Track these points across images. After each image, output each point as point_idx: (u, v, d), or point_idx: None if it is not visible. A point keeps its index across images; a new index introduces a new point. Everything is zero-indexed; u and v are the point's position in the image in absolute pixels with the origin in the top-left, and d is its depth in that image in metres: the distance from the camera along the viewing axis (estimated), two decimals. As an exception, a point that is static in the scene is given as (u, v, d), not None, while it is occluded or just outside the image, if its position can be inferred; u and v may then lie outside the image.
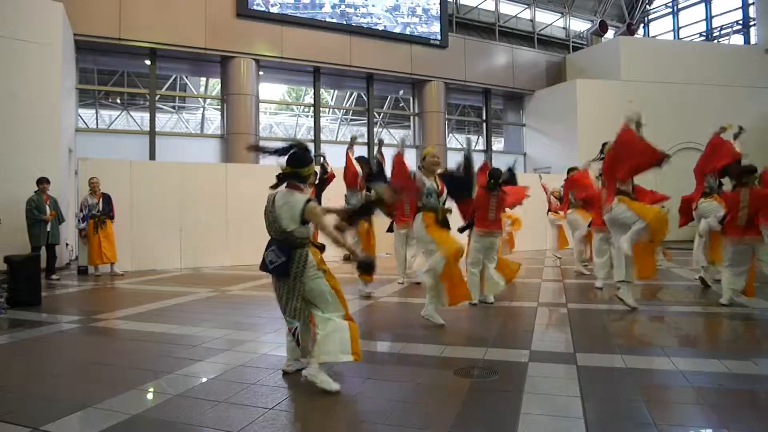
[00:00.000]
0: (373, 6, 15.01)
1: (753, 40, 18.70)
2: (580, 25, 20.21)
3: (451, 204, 5.09)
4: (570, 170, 8.49)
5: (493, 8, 18.12)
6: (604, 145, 6.07)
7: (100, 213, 8.71)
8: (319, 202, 5.83)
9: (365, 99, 16.07)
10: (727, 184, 6.51)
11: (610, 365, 3.54)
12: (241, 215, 9.86)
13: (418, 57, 15.58)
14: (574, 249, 8.86)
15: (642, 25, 21.78)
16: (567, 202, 8.43)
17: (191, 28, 12.74)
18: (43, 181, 8.05)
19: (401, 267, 7.68)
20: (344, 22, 14.53)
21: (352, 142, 6.93)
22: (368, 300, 6.16)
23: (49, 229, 8.06)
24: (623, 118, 5.54)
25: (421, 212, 4.80)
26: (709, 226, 6.34)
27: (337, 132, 18.76)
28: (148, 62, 13.13)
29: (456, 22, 17.14)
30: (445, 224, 4.85)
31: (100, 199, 8.77)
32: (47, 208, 8.08)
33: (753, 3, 18.75)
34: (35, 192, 8.03)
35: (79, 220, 8.82)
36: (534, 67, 17.84)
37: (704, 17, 20.27)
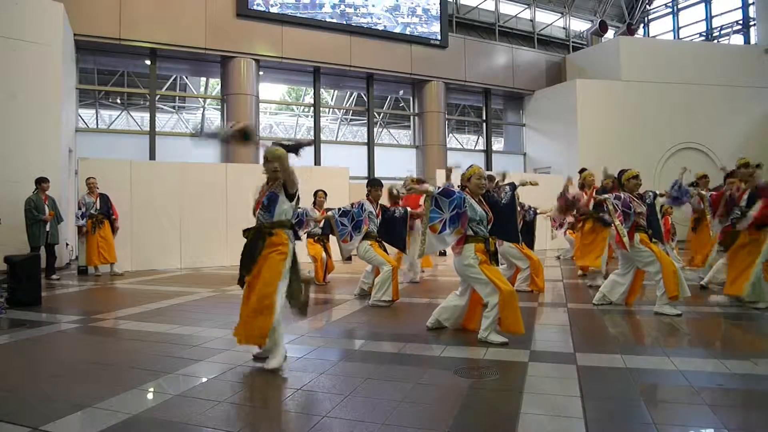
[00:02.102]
0: (373, 6, 15.01)
1: (753, 40, 18.71)
2: (580, 25, 20.22)
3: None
4: (582, 171, 7.91)
5: (493, 8, 18.12)
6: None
7: (97, 213, 8.73)
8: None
9: (365, 99, 16.07)
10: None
11: (610, 365, 3.54)
12: (241, 215, 9.82)
13: (418, 57, 15.58)
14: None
15: (642, 25, 21.78)
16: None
17: (191, 28, 12.74)
18: (43, 181, 8.05)
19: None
20: (344, 22, 14.53)
21: None
22: (368, 299, 6.15)
23: (48, 228, 8.06)
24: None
25: (472, 243, 4.19)
26: None
27: (337, 132, 18.76)
28: (148, 62, 13.14)
29: (456, 22, 17.14)
30: (495, 256, 4.34)
31: (98, 199, 8.78)
32: (46, 208, 8.08)
33: (753, 3, 18.76)
34: (34, 192, 8.03)
35: (78, 218, 8.82)
36: (534, 67, 17.85)
37: (704, 17, 20.28)
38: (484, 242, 4.22)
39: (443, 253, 12.36)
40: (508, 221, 4.63)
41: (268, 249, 3.53)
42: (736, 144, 15.66)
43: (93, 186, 8.78)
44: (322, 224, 7.29)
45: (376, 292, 5.92)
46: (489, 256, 4.23)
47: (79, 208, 8.79)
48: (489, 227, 4.34)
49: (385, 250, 6.37)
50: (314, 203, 7.60)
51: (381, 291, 5.88)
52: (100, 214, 8.75)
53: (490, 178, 5.58)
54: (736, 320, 5.07)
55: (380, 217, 6.26)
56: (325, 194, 7.75)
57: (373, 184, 6.36)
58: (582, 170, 7.86)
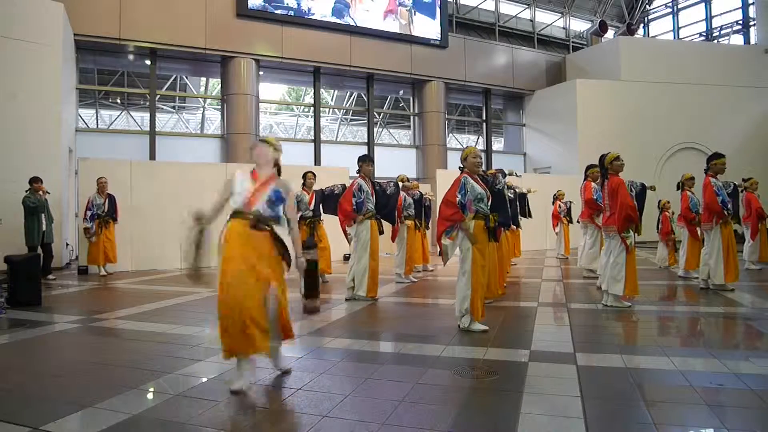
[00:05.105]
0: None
1: (753, 40, 18.71)
2: (580, 25, 20.22)
3: None
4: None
5: (493, 8, 18.12)
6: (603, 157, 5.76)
7: (104, 213, 8.76)
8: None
9: (365, 99, 16.07)
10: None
11: (610, 365, 3.54)
12: (241, 215, 9.83)
13: (418, 57, 15.58)
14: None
15: (642, 25, 21.78)
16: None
17: (191, 28, 12.74)
18: (34, 181, 8.03)
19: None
20: (344, 22, 14.52)
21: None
22: (367, 301, 6.15)
23: (44, 228, 8.07)
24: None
25: (473, 221, 4.45)
26: None
27: (337, 132, 18.76)
28: (148, 62, 13.14)
29: (456, 22, 17.14)
30: (493, 233, 4.56)
31: (106, 200, 8.82)
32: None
33: (753, 3, 18.76)
34: (29, 191, 7.99)
35: (86, 219, 8.79)
36: (534, 67, 17.84)
37: (704, 17, 20.28)
38: (484, 219, 4.47)
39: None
40: (501, 207, 4.91)
41: (276, 250, 3.33)
42: (736, 144, 15.65)
43: (104, 186, 8.81)
44: (312, 206, 7.51)
45: (357, 287, 6.14)
46: (488, 232, 4.49)
47: (89, 209, 8.78)
48: (489, 204, 4.61)
49: (382, 231, 6.39)
50: (303, 185, 7.54)
51: (360, 286, 6.12)
52: (107, 215, 8.79)
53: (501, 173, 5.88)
54: (735, 320, 5.07)
55: (374, 194, 6.32)
56: (314, 176, 7.67)
57: (364, 159, 6.30)
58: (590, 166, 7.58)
